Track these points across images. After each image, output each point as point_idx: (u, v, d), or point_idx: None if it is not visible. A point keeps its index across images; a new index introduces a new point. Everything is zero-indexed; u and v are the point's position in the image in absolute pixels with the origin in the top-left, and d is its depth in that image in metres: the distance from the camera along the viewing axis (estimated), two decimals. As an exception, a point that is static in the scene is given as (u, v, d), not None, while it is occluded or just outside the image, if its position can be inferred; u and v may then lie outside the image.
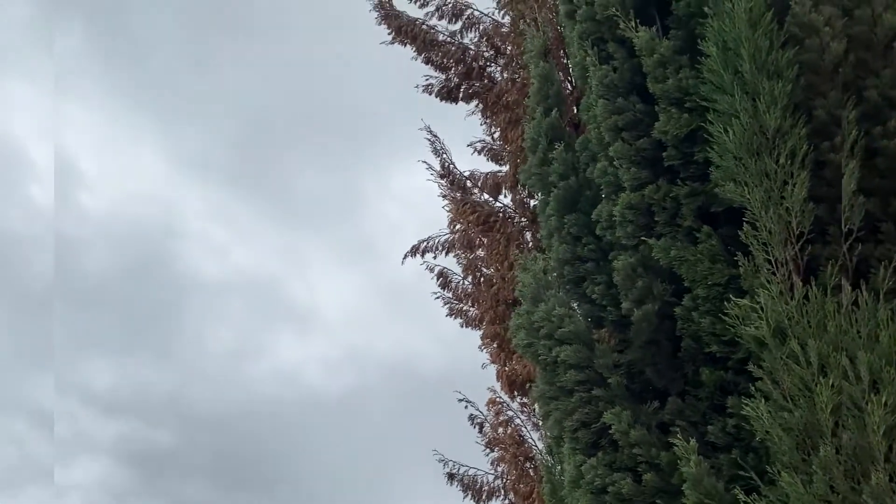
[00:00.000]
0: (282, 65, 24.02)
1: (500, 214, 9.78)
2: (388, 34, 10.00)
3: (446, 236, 10.34)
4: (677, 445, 4.43)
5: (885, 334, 4.01)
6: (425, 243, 10.48)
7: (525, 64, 9.25)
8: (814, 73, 4.41)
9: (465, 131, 10.37)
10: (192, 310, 26.37)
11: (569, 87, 7.85)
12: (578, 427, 4.92)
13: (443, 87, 9.97)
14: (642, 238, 4.79)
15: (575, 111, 6.34)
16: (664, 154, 4.75)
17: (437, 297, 10.67)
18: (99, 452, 23.93)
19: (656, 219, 4.76)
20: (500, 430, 10.22)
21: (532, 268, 5.42)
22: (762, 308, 4.24)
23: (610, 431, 4.79)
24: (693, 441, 4.42)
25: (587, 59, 5.05)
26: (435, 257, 10.50)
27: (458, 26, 9.89)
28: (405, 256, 10.52)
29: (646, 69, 4.77)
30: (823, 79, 4.41)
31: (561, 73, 7.36)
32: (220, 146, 26.72)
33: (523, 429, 10.12)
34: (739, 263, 4.41)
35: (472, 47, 9.87)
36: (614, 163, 4.94)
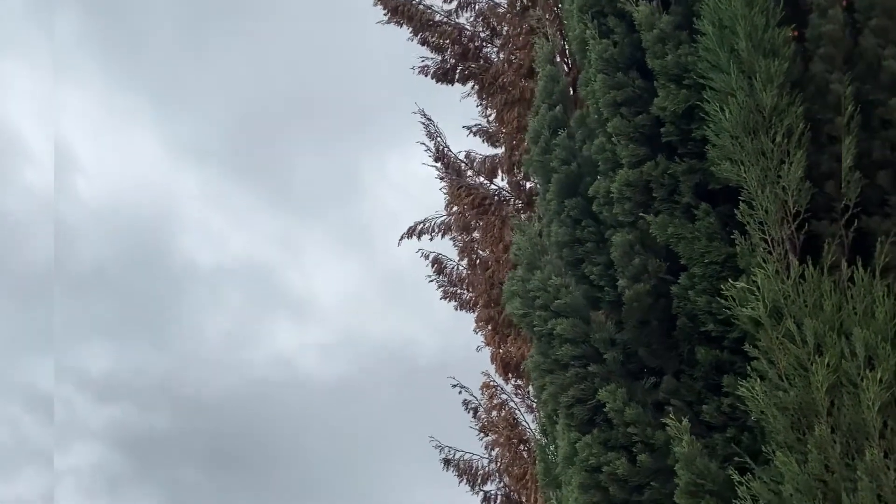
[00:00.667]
0: (278, 49, 23.94)
1: (496, 197, 9.78)
2: (384, 14, 9.98)
3: (443, 218, 10.34)
4: (669, 425, 4.42)
5: (881, 310, 4.01)
6: (421, 225, 10.48)
7: (522, 45, 9.24)
8: (833, 46, 4.35)
9: (461, 114, 10.36)
10: (189, 296, 26.33)
11: (565, 68, 7.82)
12: (573, 403, 4.89)
13: (439, 69, 9.95)
14: (640, 214, 4.77)
15: (572, 92, 6.31)
16: (662, 130, 4.73)
17: (432, 281, 10.68)
18: (94, 437, 23.94)
19: (654, 195, 4.73)
20: (494, 413, 10.25)
21: (528, 231, 5.36)
22: (758, 288, 4.23)
23: (605, 409, 4.78)
24: (685, 421, 4.41)
25: (587, 32, 5.00)
26: (431, 239, 10.52)
27: (453, 6, 9.87)
28: (401, 238, 10.53)
29: (645, 44, 4.73)
30: (841, 51, 4.36)
31: (558, 56, 7.34)
32: (216, 132, 26.64)
33: (517, 412, 10.16)
34: (736, 242, 4.40)
35: (467, 27, 9.85)
36: (612, 139, 4.91)
